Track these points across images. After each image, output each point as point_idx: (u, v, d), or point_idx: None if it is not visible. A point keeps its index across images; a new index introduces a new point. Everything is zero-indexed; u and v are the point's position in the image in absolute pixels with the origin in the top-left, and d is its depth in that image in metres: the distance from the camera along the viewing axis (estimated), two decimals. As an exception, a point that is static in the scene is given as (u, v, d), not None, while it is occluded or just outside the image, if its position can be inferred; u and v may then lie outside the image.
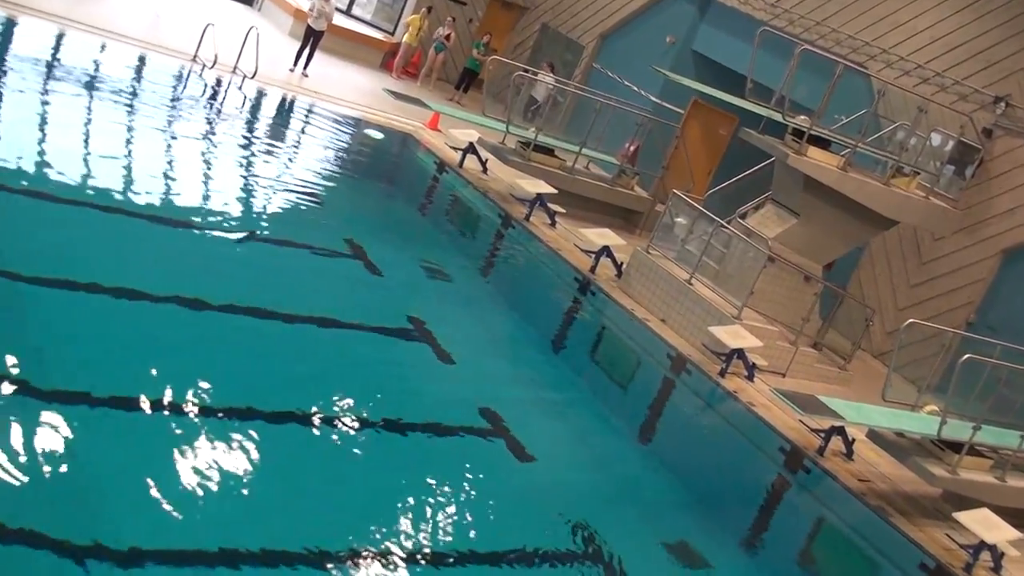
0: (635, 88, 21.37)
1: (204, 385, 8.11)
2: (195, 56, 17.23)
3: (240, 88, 17.19)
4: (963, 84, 16.65)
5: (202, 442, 7.45)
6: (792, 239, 14.58)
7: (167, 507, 6.68)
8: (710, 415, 12.75)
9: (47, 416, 7.03)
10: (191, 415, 7.72)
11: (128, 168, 11.97)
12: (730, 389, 12.70)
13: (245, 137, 15.17)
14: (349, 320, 10.54)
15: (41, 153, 11.30)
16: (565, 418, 10.69)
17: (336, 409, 8.70)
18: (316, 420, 8.44)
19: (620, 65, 22.64)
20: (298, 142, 16.40)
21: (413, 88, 22.72)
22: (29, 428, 6.84)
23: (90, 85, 14.19)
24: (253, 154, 14.58)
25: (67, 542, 6.07)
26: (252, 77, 17.42)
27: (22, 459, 6.53)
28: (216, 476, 7.13)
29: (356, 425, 8.55)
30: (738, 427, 12.34)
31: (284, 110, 17.91)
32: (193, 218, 11.26)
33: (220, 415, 7.87)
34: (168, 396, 7.80)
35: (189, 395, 7.92)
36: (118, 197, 10.93)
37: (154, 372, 8.06)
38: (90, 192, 10.77)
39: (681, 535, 9.33)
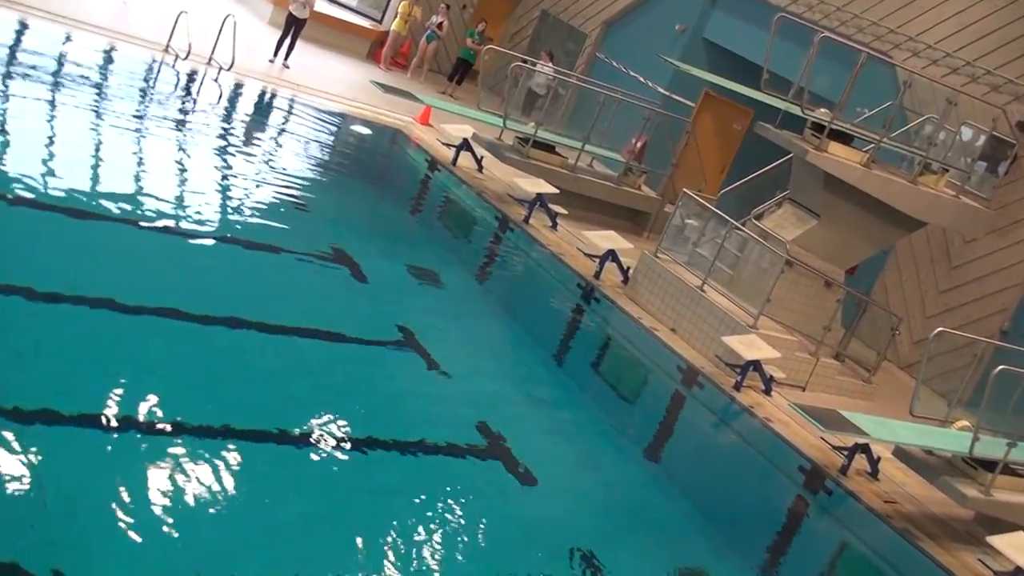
0: (642, 79, 21.40)
1: (177, 401, 8.08)
2: (167, 46, 17.23)
3: (216, 81, 17.19)
4: (995, 74, 16.67)
5: (176, 463, 7.42)
6: (812, 242, 14.59)
7: (136, 535, 6.65)
8: (724, 432, 12.74)
9: (7, 435, 7.00)
10: (164, 434, 7.69)
11: (95, 168, 11.96)
12: (746, 404, 12.69)
13: (222, 134, 15.17)
14: (334, 330, 10.53)
15: None
16: (569, 436, 10.67)
17: (319, 427, 8.68)
18: (298, 439, 8.41)
19: (626, 55, 22.68)
20: (279, 139, 16.40)
21: (403, 80, 22.74)
22: (-12, 449, 6.82)
23: (53, 78, 14.18)
24: (230, 152, 14.58)
25: (27, 573, 6.04)
26: (229, 69, 17.43)
27: (-19, 483, 6.51)
28: (191, 500, 7.10)
29: (341, 444, 8.53)
30: (755, 445, 12.32)
31: (263, 104, 17.91)
32: (166, 222, 11.25)
33: (195, 434, 7.84)
34: (139, 414, 7.77)
35: (161, 412, 7.89)
36: (84, 199, 10.92)
37: (124, 388, 8.04)
38: (53, 194, 10.75)
39: (695, 562, 9.32)
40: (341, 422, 8.84)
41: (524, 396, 11.16)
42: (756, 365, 12.99)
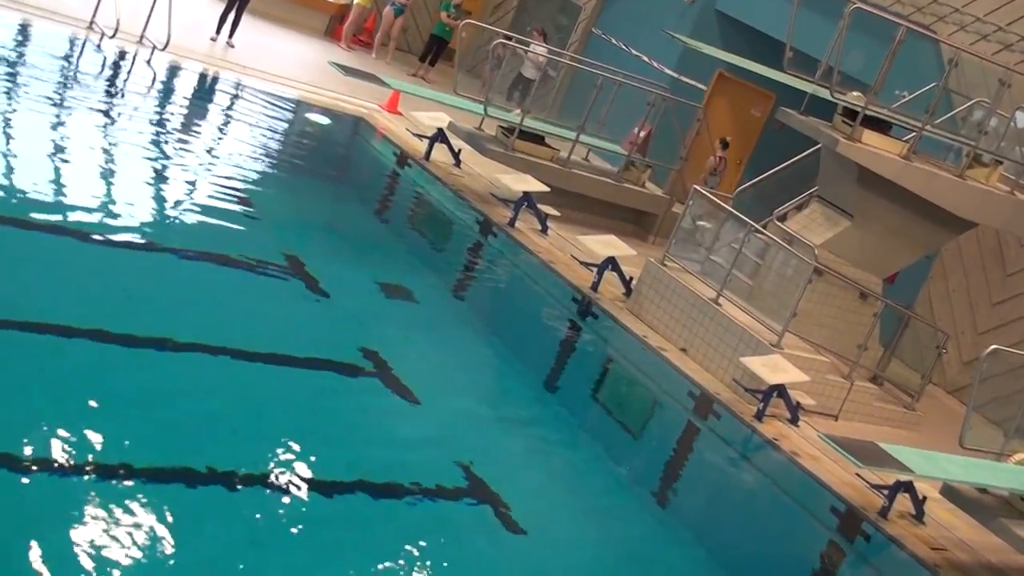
0: (645, 59, 21.43)
1: (107, 437, 8.03)
2: (91, 23, 17.20)
3: (149, 63, 17.15)
4: (1055, 50, 16.76)
5: (105, 509, 7.36)
6: (844, 246, 14.61)
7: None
8: (745, 469, 12.72)
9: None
10: (91, 476, 7.63)
11: (6, 166, 11.90)
12: (769, 436, 12.68)
13: (155, 124, 15.13)
14: (288, 354, 10.49)
15: None
16: (563, 476, 10.66)
17: (271, 465, 8.63)
18: (246, 480, 8.36)
19: (627, 31, 22.72)
20: (222, 130, 16.37)
21: (367, 61, 22.75)
22: None
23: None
24: (166, 146, 14.54)
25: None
26: (164, 49, 17.39)
27: None
28: (120, 551, 7.04)
29: (296, 486, 8.48)
30: (780, 483, 12.30)
31: (204, 90, 17.88)
32: (89, 228, 11.20)
33: (127, 476, 7.78)
34: (63, 453, 7.71)
35: (88, 450, 7.83)
36: (-6, 202, 10.89)
37: (44, 421, 7.97)
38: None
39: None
40: (296, 461, 8.79)
41: (512, 429, 11.13)
42: (781, 390, 12.98)
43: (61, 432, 7.93)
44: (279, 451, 8.86)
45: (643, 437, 12.96)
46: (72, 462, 7.69)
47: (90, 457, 7.85)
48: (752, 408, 13.05)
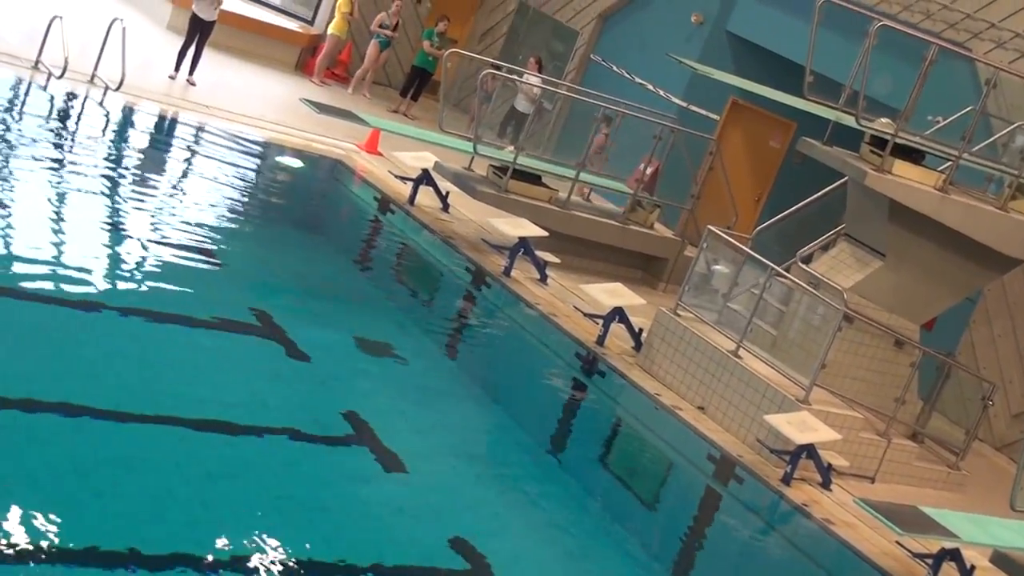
0: (650, 87, 21.56)
1: (62, 520, 8.04)
2: (37, 62, 17.32)
3: (101, 104, 17.27)
4: (1102, 68, 16.88)
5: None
6: (876, 289, 14.65)
7: None
8: (772, 539, 12.71)
9: None
10: (47, 562, 7.64)
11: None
12: (799, 502, 12.70)
13: (110, 173, 15.19)
14: (260, 423, 10.51)
15: None
16: (572, 552, 10.64)
17: (244, 548, 8.63)
18: (214, 566, 8.36)
19: (629, 57, 22.87)
20: (184, 178, 16.44)
21: (343, 97, 22.88)
22: None
23: None
24: (121, 196, 14.59)
25: None
26: (117, 89, 17.52)
27: None
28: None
29: (269, 570, 8.48)
30: (813, 555, 12.32)
31: (164, 133, 17.98)
32: (39, 289, 11.25)
33: (89, 563, 7.80)
34: (16, 540, 7.73)
35: (43, 537, 7.84)
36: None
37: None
38: None
39: None
40: (272, 542, 8.79)
41: (512, 502, 11.13)
42: (810, 451, 13.00)
43: (25, 515, 7.94)
44: (252, 531, 8.86)
45: (659, 507, 12.96)
46: (22, 545, 7.71)
47: (67, 543, 7.87)
48: (779, 471, 13.06)
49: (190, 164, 17.11)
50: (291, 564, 8.66)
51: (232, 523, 8.91)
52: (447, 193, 18.07)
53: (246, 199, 16.54)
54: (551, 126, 22.14)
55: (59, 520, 8.04)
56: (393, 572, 9.13)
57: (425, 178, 17.84)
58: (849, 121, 14.24)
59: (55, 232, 12.85)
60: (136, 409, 9.88)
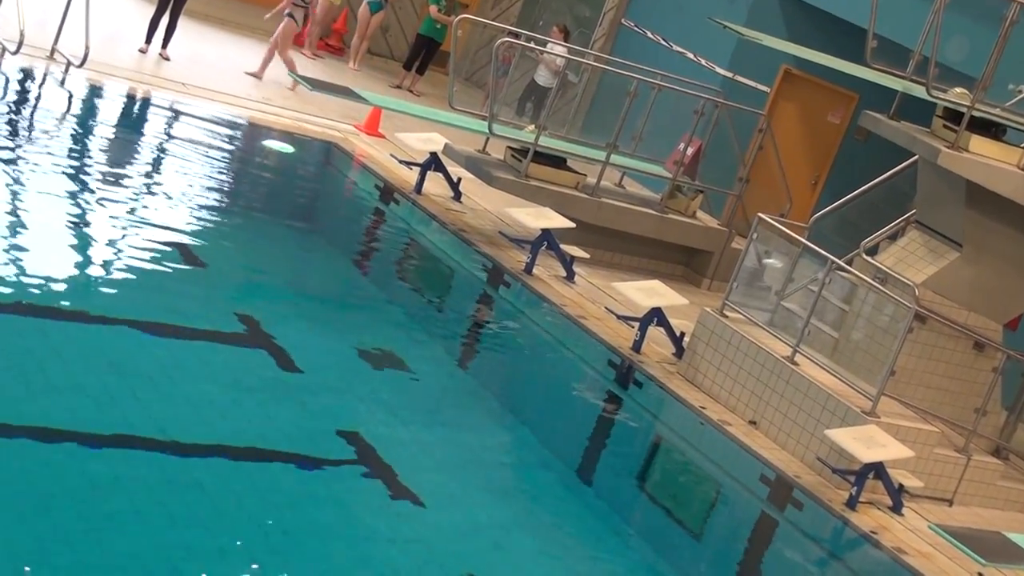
0: (691, 56, 21.50)
1: (30, 554, 8.02)
2: (-10, 36, 17.35)
3: (63, 83, 17.28)
4: None
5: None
6: (952, 285, 14.59)
7: None
8: (836, 572, 12.68)
9: None
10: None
11: None
12: (866, 528, 12.66)
13: (74, 161, 15.21)
14: (246, 444, 10.51)
15: None
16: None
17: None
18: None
19: (665, 21, 22.84)
20: (158, 166, 16.45)
21: (338, 71, 22.87)
22: None
23: None
24: (88, 189, 14.60)
25: None
26: (81, 65, 17.52)
27: None
28: None
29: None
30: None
31: (134, 115, 18.01)
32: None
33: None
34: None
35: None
36: None
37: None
38: None
39: None
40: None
41: (537, 533, 11.11)
42: (878, 470, 12.95)
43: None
44: (236, 568, 8.84)
45: (706, 537, 12.93)
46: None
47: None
48: (843, 494, 13.03)
49: (165, 151, 17.12)
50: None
51: (213, 558, 8.87)
52: (459, 180, 18.07)
53: (229, 190, 16.56)
54: (577, 102, 22.10)
55: (27, 555, 8.03)
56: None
57: (433, 163, 17.84)
58: (919, 91, 14.19)
59: (10, 232, 12.83)
60: (104, 430, 9.87)
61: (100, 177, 15.13)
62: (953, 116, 14.23)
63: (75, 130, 16.52)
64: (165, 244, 13.64)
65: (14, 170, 14.23)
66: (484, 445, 12.45)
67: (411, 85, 23.60)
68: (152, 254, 13.34)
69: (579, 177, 18.00)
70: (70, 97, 17.28)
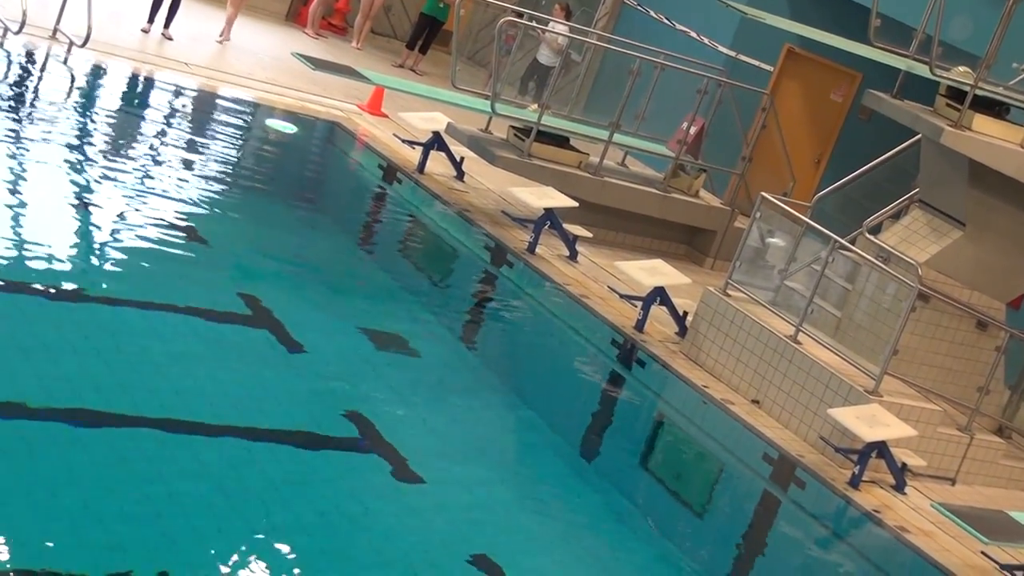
0: (694, 35, 21.47)
1: (24, 541, 8.05)
2: (-8, 16, 17.34)
3: (65, 63, 17.27)
4: None
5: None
6: (955, 263, 14.60)
7: None
8: (839, 550, 12.71)
9: None
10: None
11: None
12: (869, 507, 12.68)
13: (77, 141, 15.22)
14: (249, 424, 10.52)
15: None
16: (610, 570, 10.63)
17: (234, 565, 8.64)
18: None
19: (669, 0, 22.77)
20: (161, 146, 16.43)
21: (342, 51, 22.84)
22: None
23: None
24: (91, 168, 14.60)
25: None
26: (83, 45, 17.50)
27: None
28: None
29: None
30: (885, 567, 12.33)
31: (137, 95, 17.98)
32: (-1, 274, 11.30)
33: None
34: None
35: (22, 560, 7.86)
36: None
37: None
38: None
39: None
40: (261, 564, 8.79)
41: (541, 512, 11.14)
42: (881, 449, 12.97)
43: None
44: (241, 549, 8.88)
45: (709, 516, 12.94)
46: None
47: (35, 561, 7.89)
48: (845, 473, 13.05)
49: (167, 131, 17.11)
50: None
51: (217, 540, 8.90)
52: (462, 159, 18.07)
53: (232, 169, 16.56)
54: (580, 81, 22.08)
55: (21, 541, 8.05)
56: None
57: (436, 142, 17.83)
58: (922, 70, 14.18)
59: (15, 211, 12.85)
60: (108, 408, 9.89)
61: (102, 157, 15.13)
62: (956, 95, 14.22)
63: (77, 110, 16.50)
64: (168, 224, 13.65)
65: (17, 150, 14.24)
66: (487, 424, 12.47)
67: (414, 64, 23.57)
68: (155, 234, 13.35)
69: (582, 156, 17.99)
70: (72, 77, 17.27)
